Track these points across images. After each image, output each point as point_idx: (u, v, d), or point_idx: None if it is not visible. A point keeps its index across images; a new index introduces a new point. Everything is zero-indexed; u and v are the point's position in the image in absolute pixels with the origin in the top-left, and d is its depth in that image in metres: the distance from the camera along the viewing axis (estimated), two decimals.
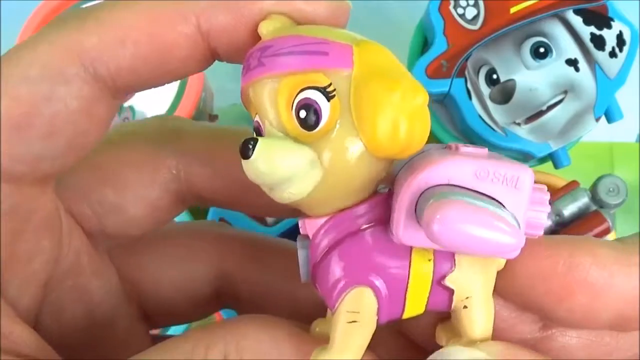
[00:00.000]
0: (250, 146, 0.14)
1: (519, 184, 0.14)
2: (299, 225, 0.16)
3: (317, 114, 0.14)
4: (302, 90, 0.14)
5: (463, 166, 0.14)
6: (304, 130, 0.14)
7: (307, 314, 0.17)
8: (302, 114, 0.14)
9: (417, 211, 0.14)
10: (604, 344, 0.15)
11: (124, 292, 0.21)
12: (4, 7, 0.45)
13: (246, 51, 0.15)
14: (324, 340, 0.15)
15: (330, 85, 0.14)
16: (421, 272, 0.15)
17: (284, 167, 0.14)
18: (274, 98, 0.14)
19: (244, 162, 0.14)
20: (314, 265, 0.16)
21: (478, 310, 0.15)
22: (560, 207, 0.36)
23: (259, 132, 0.15)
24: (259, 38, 0.15)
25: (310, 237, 0.16)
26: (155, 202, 0.19)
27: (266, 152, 0.14)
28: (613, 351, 0.15)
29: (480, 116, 0.35)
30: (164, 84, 0.17)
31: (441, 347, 0.15)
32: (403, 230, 0.14)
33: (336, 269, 0.15)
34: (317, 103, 0.14)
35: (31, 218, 0.17)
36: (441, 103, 0.37)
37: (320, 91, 0.14)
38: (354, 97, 0.14)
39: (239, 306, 0.23)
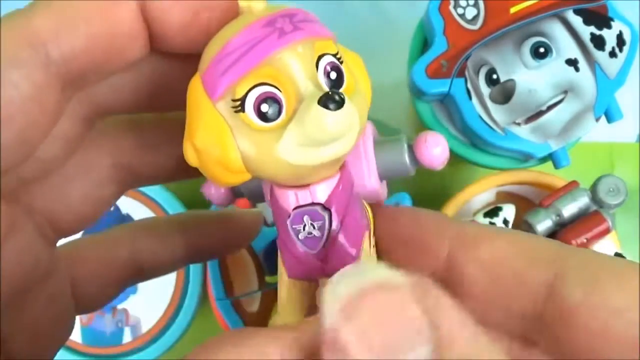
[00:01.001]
0: (339, 98, 0.14)
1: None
2: (273, 197, 0.17)
3: (342, 77, 0.16)
4: (322, 55, 0.15)
5: None
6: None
7: None
8: (333, 75, 0.16)
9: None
10: None
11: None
12: (4, 7, 0.45)
13: (180, 38, 0.16)
14: None
15: (338, 52, 0.16)
16: None
17: (354, 121, 0.15)
18: (311, 61, 0.15)
19: (322, 112, 0.14)
20: (339, 226, 0.16)
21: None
22: (560, 207, 0.36)
23: (274, 101, 0.15)
24: (190, 18, 0.16)
25: (324, 200, 0.16)
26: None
27: (351, 107, 0.15)
28: None
29: (480, 116, 0.35)
30: (113, 73, 0.16)
31: None
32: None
33: (358, 223, 0.17)
34: (339, 67, 0.16)
35: None
36: (441, 103, 0.37)
37: (334, 57, 0.16)
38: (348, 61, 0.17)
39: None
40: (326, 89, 0.15)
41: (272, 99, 0.15)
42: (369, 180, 0.18)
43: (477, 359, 0.13)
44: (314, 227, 0.16)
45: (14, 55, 0.14)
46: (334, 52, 0.16)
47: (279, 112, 0.15)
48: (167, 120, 0.20)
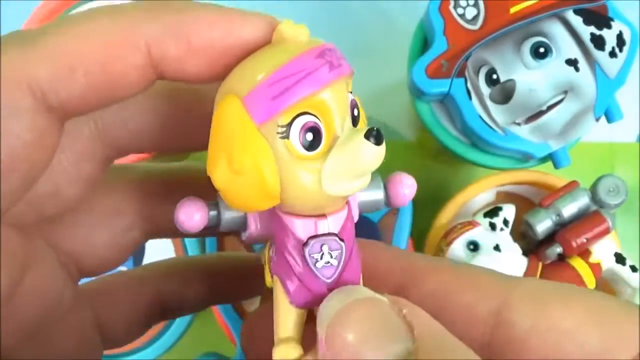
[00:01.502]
0: (380, 135, 0.15)
1: None
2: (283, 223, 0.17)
3: (359, 113, 0.17)
4: (349, 92, 0.16)
5: None
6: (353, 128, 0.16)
7: None
8: (355, 112, 0.16)
9: None
10: None
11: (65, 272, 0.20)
12: (4, 7, 0.45)
13: (192, 76, 0.16)
14: None
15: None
16: None
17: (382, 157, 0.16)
18: (346, 98, 0.16)
19: (367, 145, 0.15)
20: (348, 257, 0.17)
21: None
22: (560, 207, 0.36)
23: (316, 131, 0.16)
24: (207, 64, 0.16)
25: (337, 231, 0.17)
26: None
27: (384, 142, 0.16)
28: None
29: (480, 116, 0.35)
30: (104, 107, 0.16)
31: None
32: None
33: (358, 254, 0.18)
34: (358, 104, 0.17)
35: None
36: (441, 103, 0.37)
37: (351, 94, 0.17)
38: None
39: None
40: (350, 124, 0.16)
41: (314, 129, 0.15)
42: (355, 215, 0.19)
43: (447, 355, 0.15)
44: (331, 257, 0.17)
45: (15, 103, 0.14)
46: (350, 89, 0.17)
47: (319, 143, 0.16)
48: (193, 172, 0.21)
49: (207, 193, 0.17)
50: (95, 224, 0.19)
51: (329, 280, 0.17)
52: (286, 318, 0.17)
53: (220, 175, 0.16)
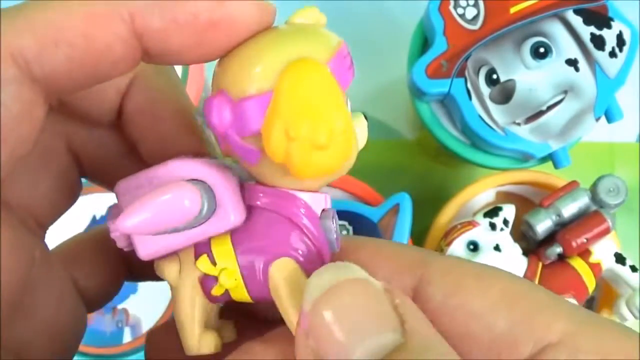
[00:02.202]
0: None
1: None
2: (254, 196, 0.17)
3: None
4: None
5: None
6: None
7: None
8: None
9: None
10: None
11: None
12: (4, 7, 0.45)
13: (176, 52, 0.16)
14: None
15: None
16: None
17: None
18: None
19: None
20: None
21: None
22: (560, 207, 0.36)
23: None
24: (193, 40, 0.15)
25: (321, 209, 0.17)
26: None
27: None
28: None
29: (480, 116, 0.35)
30: (91, 87, 0.16)
31: None
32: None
33: None
34: None
35: None
36: (441, 103, 0.37)
37: None
38: None
39: None
40: None
41: None
42: None
43: (434, 357, 0.14)
44: (337, 228, 0.17)
45: (2, 74, 0.14)
46: None
47: None
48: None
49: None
50: (34, 169, 0.19)
51: (338, 250, 0.17)
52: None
53: (302, 142, 0.15)
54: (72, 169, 0.20)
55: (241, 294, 0.17)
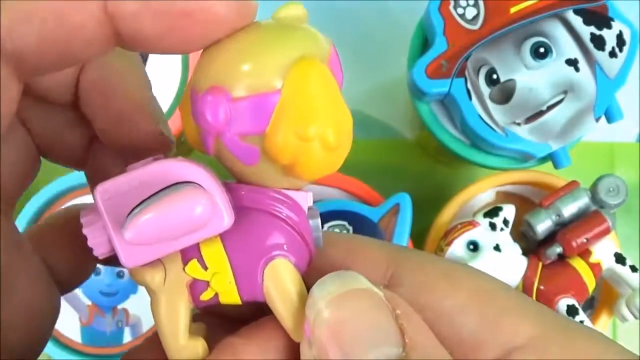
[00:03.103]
0: None
1: None
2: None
3: None
4: None
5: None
6: None
7: None
8: None
9: None
10: None
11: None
12: None
13: (149, 39, 0.15)
14: None
15: None
16: None
17: None
18: None
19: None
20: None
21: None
22: (560, 207, 0.36)
23: None
24: (166, 26, 0.15)
25: (306, 206, 0.17)
26: None
27: None
28: None
29: (480, 116, 0.35)
30: (63, 69, 0.16)
31: None
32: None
33: None
34: None
35: None
36: (441, 103, 0.37)
37: None
38: None
39: None
40: None
41: None
42: None
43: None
44: (320, 225, 0.17)
45: None
46: None
47: None
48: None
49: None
50: None
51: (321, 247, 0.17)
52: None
53: (313, 143, 0.15)
54: (29, 143, 0.20)
55: (232, 297, 0.17)
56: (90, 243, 0.16)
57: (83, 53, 0.15)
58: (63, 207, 0.22)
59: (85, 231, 0.16)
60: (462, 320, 0.16)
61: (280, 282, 0.16)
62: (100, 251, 0.16)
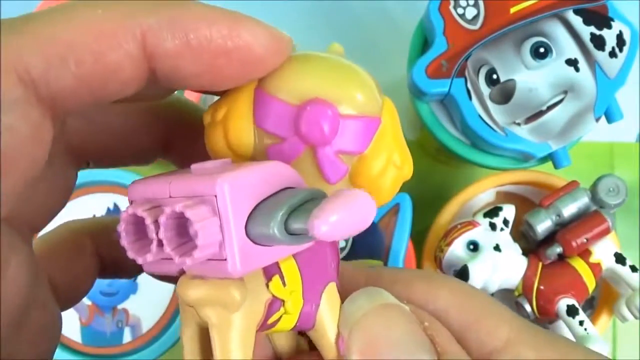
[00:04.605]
0: None
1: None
2: None
3: None
4: None
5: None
6: None
7: None
8: None
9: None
10: None
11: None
12: (4, 7, 0.45)
13: (186, 77, 0.15)
14: None
15: None
16: None
17: None
18: None
19: None
20: None
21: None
22: (560, 207, 0.36)
23: None
24: (204, 65, 0.15)
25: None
26: None
27: None
28: None
29: (480, 116, 0.35)
30: (93, 107, 0.15)
31: None
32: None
33: None
34: None
35: None
36: (441, 103, 0.37)
37: None
38: None
39: None
40: None
41: None
42: None
43: None
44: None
45: (7, 95, 0.13)
46: None
47: None
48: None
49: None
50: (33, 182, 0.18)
51: None
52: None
53: (397, 170, 0.16)
54: (68, 167, 0.19)
55: (290, 322, 0.16)
56: (201, 242, 0.13)
57: (118, 93, 0.15)
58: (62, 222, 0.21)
59: (198, 227, 0.13)
60: (445, 324, 0.17)
61: (336, 305, 0.16)
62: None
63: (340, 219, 0.13)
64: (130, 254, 0.14)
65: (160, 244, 0.13)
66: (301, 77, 0.16)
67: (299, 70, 0.16)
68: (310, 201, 0.14)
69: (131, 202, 0.15)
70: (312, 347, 0.17)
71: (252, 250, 0.14)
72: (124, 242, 0.14)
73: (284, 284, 0.15)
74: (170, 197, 0.14)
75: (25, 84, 0.13)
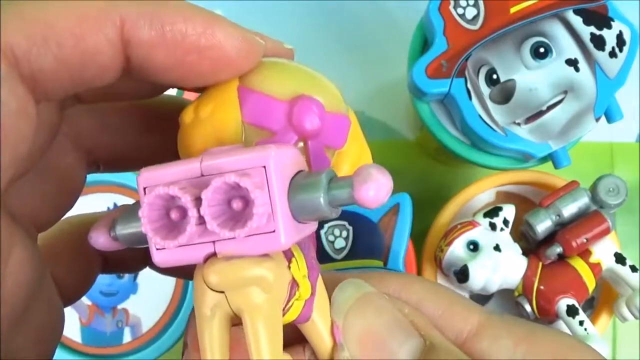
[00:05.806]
0: None
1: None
2: None
3: None
4: None
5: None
6: None
7: None
8: None
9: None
10: None
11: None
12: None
13: (157, 68, 0.15)
14: None
15: None
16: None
17: None
18: None
19: None
20: None
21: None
22: (560, 207, 0.36)
23: None
24: (175, 59, 0.15)
25: None
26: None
27: None
28: None
29: (480, 116, 0.35)
30: (69, 95, 0.16)
31: None
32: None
33: None
34: None
35: None
36: (441, 103, 0.37)
37: None
38: None
39: None
40: None
41: None
42: None
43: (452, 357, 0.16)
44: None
45: None
46: None
47: None
48: (128, 104, 0.20)
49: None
50: (39, 177, 0.18)
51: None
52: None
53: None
54: (77, 167, 0.20)
55: (296, 311, 0.16)
56: (260, 210, 0.13)
57: (96, 79, 0.15)
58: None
59: (256, 194, 0.13)
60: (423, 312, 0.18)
61: (326, 296, 0.17)
62: (257, 223, 0.13)
63: (382, 184, 0.14)
64: (156, 240, 0.14)
65: (199, 222, 0.13)
66: (284, 76, 0.17)
67: (279, 70, 0.17)
68: (335, 177, 0.15)
69: (144, 190, 0.15)
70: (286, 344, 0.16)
71: (292, 224, 0.14)
72: (148, 228, 0.14)
73: (298, 267, 0.16)
74: (202, 175, 0.14)
75: (9, 61, 0.14)
